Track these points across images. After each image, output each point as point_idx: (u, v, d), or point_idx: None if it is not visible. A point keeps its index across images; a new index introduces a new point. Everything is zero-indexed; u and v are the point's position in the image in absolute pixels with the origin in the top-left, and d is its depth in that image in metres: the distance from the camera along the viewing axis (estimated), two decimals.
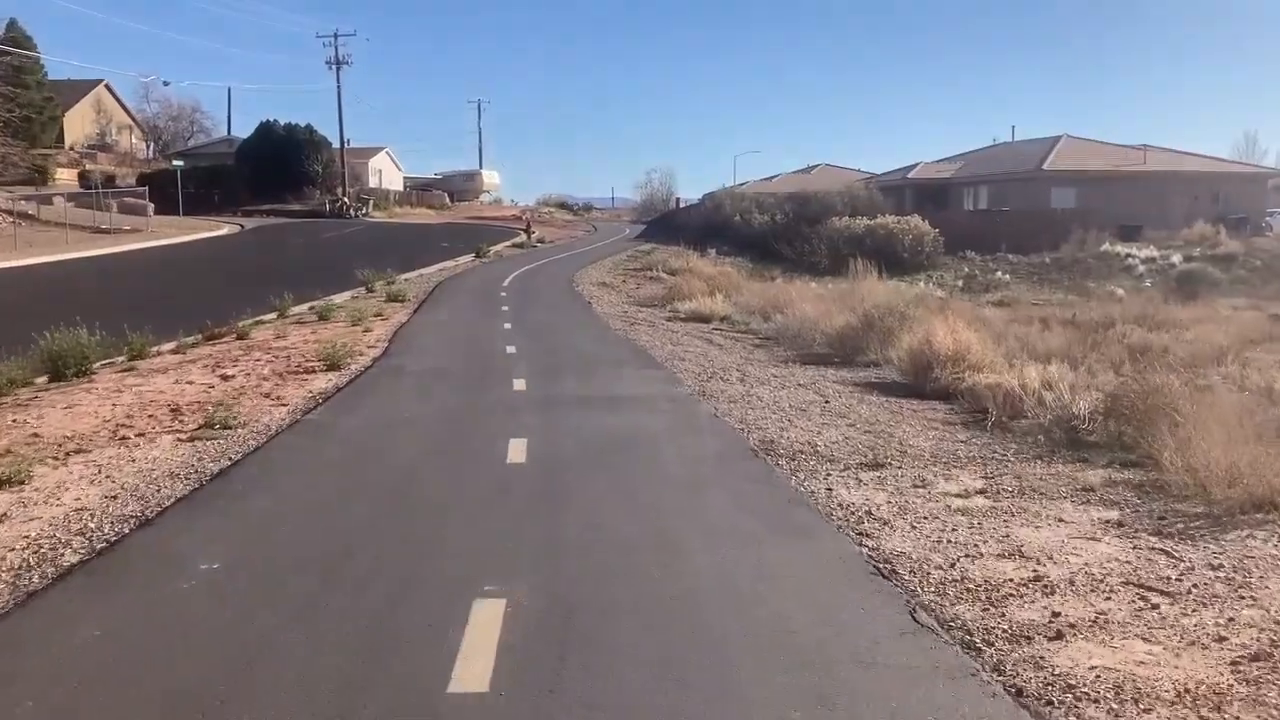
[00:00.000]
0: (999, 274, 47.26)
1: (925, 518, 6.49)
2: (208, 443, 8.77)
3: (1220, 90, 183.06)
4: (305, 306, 22.31)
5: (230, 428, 9.29)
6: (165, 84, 67.54)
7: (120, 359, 14.80)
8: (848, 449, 8.58)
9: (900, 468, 7.91)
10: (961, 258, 49.24)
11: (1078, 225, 49.08)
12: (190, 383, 12.16)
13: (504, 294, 27.20)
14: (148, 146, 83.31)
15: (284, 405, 10.60)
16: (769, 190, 64.55)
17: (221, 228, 53.11)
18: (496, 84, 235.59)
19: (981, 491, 7.19)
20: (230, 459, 8.19)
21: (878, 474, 7.72)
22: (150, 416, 9.93)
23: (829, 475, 7.67)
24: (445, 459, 8.57)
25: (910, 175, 62.65)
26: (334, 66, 70.65)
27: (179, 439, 8.98)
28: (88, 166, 68.09)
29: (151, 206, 52.86)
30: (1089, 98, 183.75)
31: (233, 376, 12.59)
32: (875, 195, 56.36)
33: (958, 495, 7.08)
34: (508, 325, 19.80)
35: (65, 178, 65.26)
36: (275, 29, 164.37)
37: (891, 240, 47.38)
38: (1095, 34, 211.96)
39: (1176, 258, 46.81)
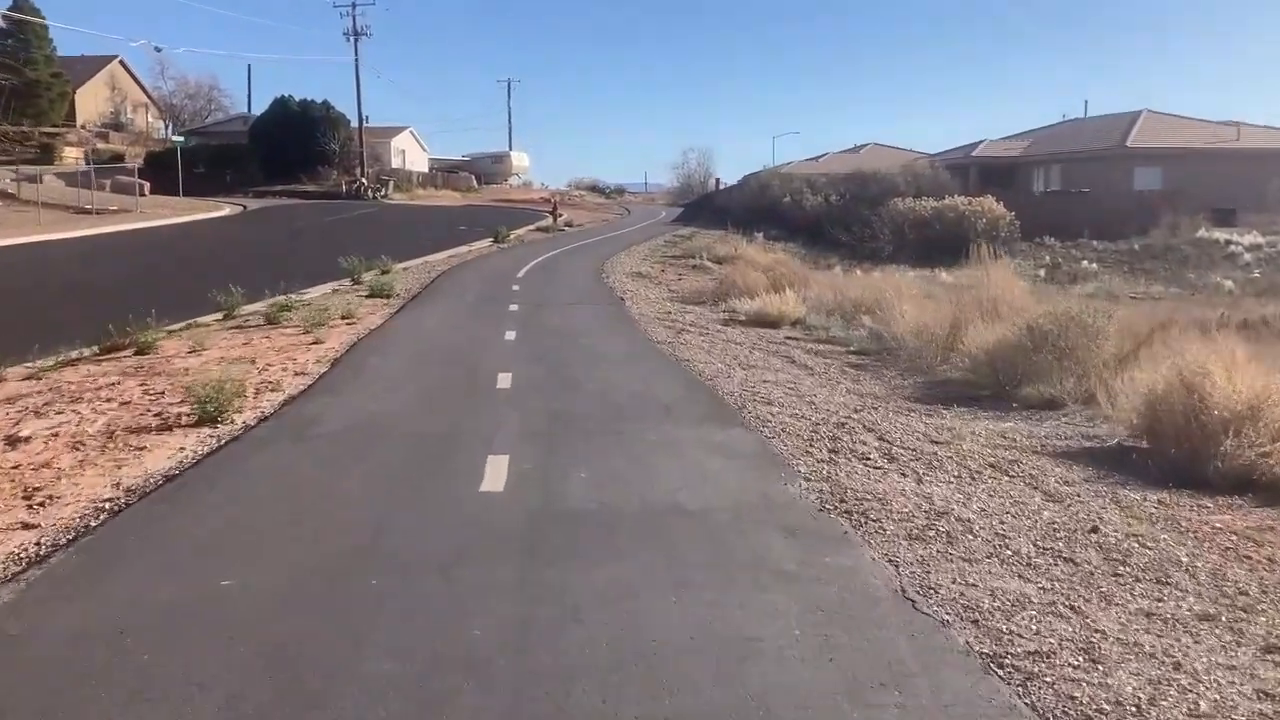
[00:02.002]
0: (1085, 263, 42.34)
1: None
2: None
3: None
4: (266, 304, 17.50)
5: None
6: (157, 49, 62.87)
7: None
8: None
9: None
10: (1039, 244, 44.36)
11: (1166, 208, 43.87)
12: None
13: (516, 288, 21.90)
14: (165, 125, 79.54)
15: (31, 527, 5.52)
16: (818, 171, 59.38)
17: (222, 209, 49.03)
18: (528, 66, 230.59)
19: None
20: None
21: None
22: None
23: None
24: None
25: (974, 154, 56.83)
26: (351, 38, 66.09)
27: None
28: (97, 145, 64.34)
29: (145, 186, 48.92)
30: (1155, 75, 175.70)
31: (27, 440, 7.51)
32: (942, 174, 50.85)
33: None
34: (510, 335, 14.51)
35: (73, 156, 61.87)
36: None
37: (962, 223, 42.40)
38: (1158, 8, 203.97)
39: None
